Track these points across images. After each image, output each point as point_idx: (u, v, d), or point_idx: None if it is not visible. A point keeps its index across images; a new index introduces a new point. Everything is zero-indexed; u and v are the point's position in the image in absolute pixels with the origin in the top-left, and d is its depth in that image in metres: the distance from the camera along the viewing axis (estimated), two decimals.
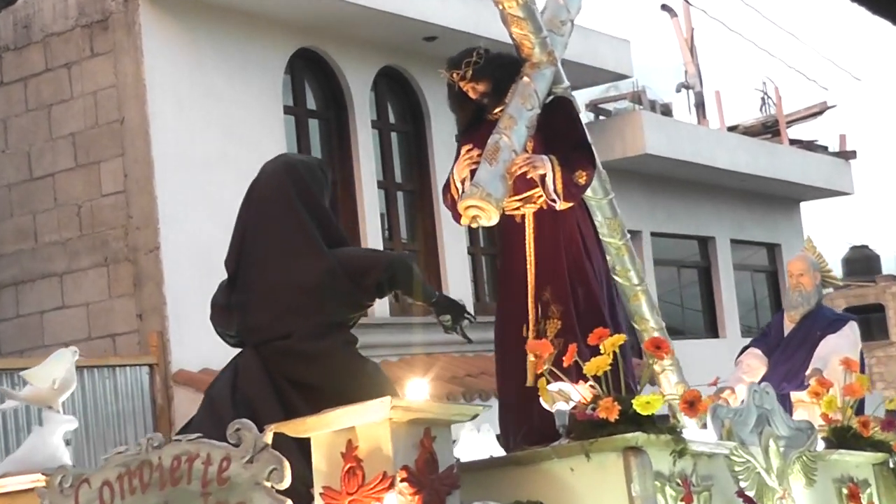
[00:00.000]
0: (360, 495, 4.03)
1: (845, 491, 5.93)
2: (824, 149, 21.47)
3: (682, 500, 4.71)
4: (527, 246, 5.80)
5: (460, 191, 5.71)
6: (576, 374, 4.96)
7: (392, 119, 13.62)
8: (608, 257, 6.18)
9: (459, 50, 5.96)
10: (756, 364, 7.73)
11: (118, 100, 11.06)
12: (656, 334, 6.29)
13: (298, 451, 4.33)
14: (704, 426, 5.18)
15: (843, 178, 20.91)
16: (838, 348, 7.27)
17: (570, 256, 5.77)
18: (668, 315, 16.72)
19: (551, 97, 5.97)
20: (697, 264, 18.94)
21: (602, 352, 4.83)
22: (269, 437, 4.07)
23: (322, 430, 4.15)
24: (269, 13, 11.85)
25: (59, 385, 6.00)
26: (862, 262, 25.93)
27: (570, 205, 5.75)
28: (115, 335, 10.96)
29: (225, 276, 5.13)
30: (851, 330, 7.62)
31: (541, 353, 4.96)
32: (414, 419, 4.12)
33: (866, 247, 27.23)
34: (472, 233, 13.99)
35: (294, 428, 4.20)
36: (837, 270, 20.14)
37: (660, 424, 4.73)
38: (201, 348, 9.43)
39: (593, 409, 4.68)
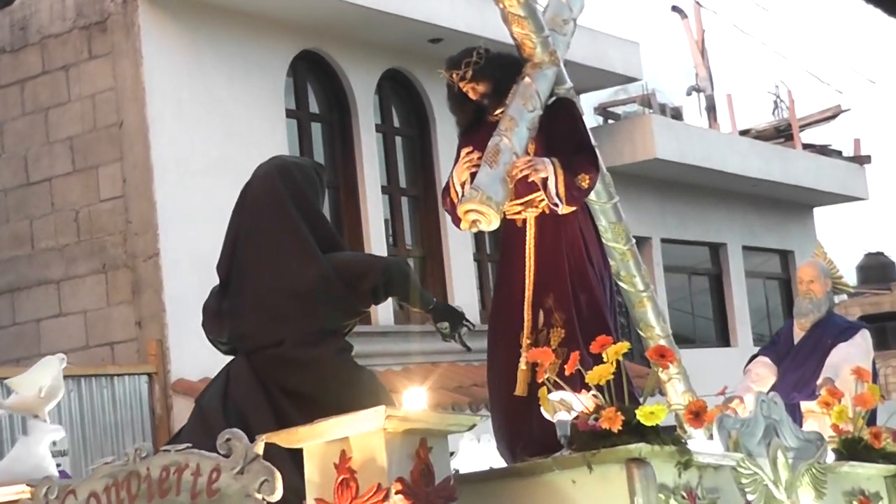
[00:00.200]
0: None
1: None
2: (838, 153, 21.43)
3: None
4: (527, 251, 5.76)
5: (460, 194, 5.68)
6: (578, 383, 4.91)
7: (396, 123, 13.62)
8: (612, 263, 6.15)
9: None
10: (765, 373, 7.69)
11: (117, 103, 11.06)
12: (662, 342, 6.26)
13: (290, 461, 4.30)
14: (711, 437, 5.13)
15: (857, 184, 20.87)
16: (850, 357, 7.22)
17: (572, 262, 5.73)
18: (678, 323, 16.80)
19: (553, 98, 5.93)
20: (708, 271, 18.93)
21: (605, 360, 4.78)
22: (260, 448, 4.04)
23: (315, 440, 4.11)
24: (271, 14, 11.84)
25: (45, 393, 5.95)
26: (877, 270, 25.85)
27: (573, 209, 5.72)
28: (114, 343, 10.96)
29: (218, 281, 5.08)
30: (863, 338, 7.58)
31: (542, 362, 4.90)
32: (409, 429, 4.09)
33: (881, 254, 27.17)
34: (478, 239, 14.00)
35: (286, 438, 4.16)
36: (852, 278, 20.16)
37: (664, 435, 4.69)
38: (201, 357, 9.36)
39: (596, 420, 4.64)
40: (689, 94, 20.64)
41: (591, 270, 5.77)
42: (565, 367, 4.92)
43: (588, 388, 4.81)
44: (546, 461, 4.72)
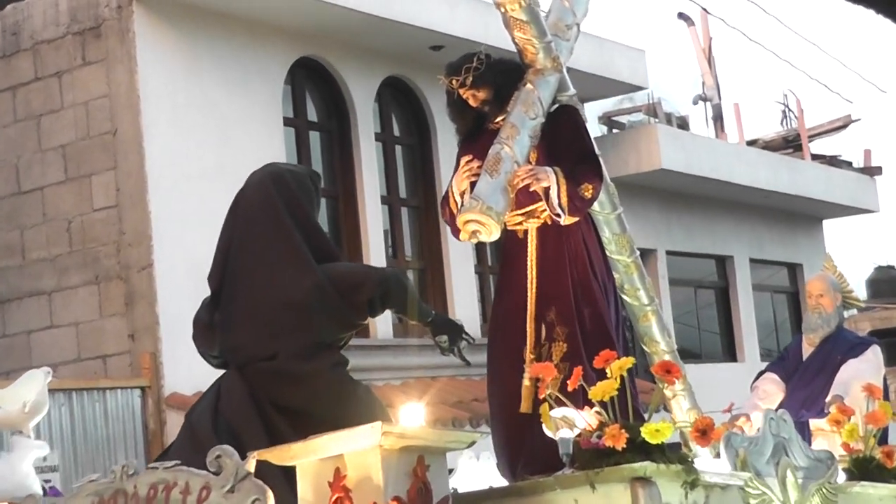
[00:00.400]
0: None
1: None
2: (848, 164, 21.37)
3: None
4: (529, 263, 5.73)
5: (459, 204, 5.64)
6: (581, 400, 4.88)
7: (396, 131, 13.59)
8: (616, 275, 6.12)
9: None
10: (773, 390, 7.62)
11: (111, 110, 11.05)
12: (667, 357, 6.22)
13: (283, 479, 4.27)
14: (718, 455, 5.09)
15: (867, 195, 20.83)
16: (860, 374, 7.15)
17: (575, 275, 5.70)
18: (684, 337, 16.78)
19: (556, 105, 5.89)
20: (715, 284, 18.87)
21: (609, 376, 4.75)
22: (251, 465, 3.99)
23: (308, 457, 4.09)
24: (270, 20, 11.82)
25: (29, 408, 5.88)
26: (888, 283, 25.74)
27: (576, 219, 5.68)
28: (106, 356, 10.93)
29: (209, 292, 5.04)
30: (874, 354, 7.53)
31: (544, 377, 4.85)
32: (406, 446, 4.07)
33: (892, 267, 27.05)
34: (479, 251, 13.98)
35: (279, 455, 4.14)
36: (862, 292, 20.07)
37: (670, 453, 4.66)
38: (195, 371, 9.26)
39: (599, 437, 4.61)
40: (695, 103, 20.55)
41: (595, 283, 5.73)
42: (568, 382, 4.88)
43: (591, 405, 4.77)
44: (548, 480, 4.69)
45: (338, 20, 12.05)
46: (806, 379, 7.54)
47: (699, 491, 4.71)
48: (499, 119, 5.76)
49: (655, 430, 4.59)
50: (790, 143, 21.10)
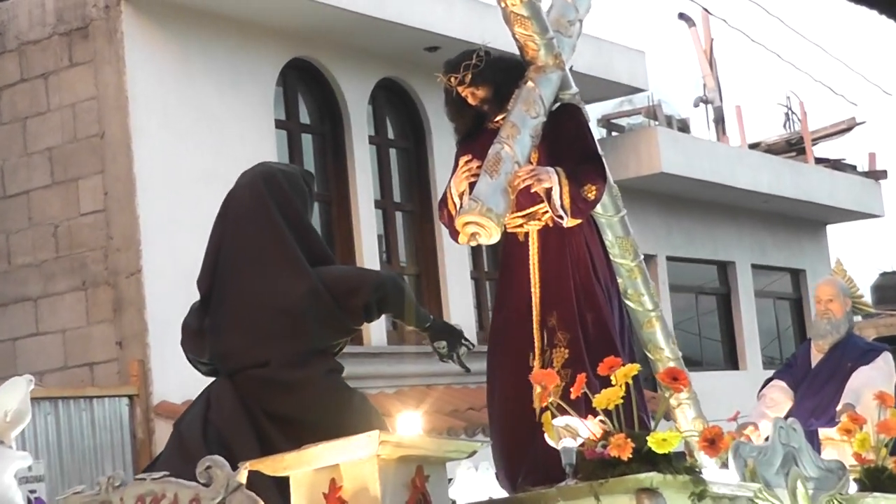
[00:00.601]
0: None
1: None
2: (853, 168, 21.41)
3: None
4: (531, 267, 5.68)
5: (458, 206, 5.60)
6: (584, 408, 4.82)
7: (391, 134, 13.59)
8: (619, 280, 6.07)
9: None
10: (781, 398, 7.58)
11: (98, 112, 11.04)
12: (672, 364, 6.16)
13: (276, 491, 4.22)
14: (724, 466, 5.03)
15: (872, 200, 20.86)
16: (871, 381, 7.11)
17: (577, 279, 5.65)
18: (684, 345, 16.57)
19: (558, 104, 5.84)
20: (716, 291, 18.88)
21: (613, 383, 4.68)
22: (243, 476, 3.93)
23: (302, 467, 4.04)
24: (261, 20, 11.81)
25: (11, 417, 5.78)
26: (893, 290, 25.71)
27: (578, 222, 5.63)
28: (93, 364, 10.92)
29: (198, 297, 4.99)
30: (885, 361, 7.48)
31: (546, 385, 4.78)
32: (405, 456, 4.02)
33: None
34: (475, 256, 13.98)
35: (271, 465, 4.09)
36: (866, 298, 19.99)
37: (677, 464, 4.60)
38: (185, 379, 9.22)
39: (604, 447, 4.55)
40: (696, 105, 20.61)
41: (598, 287, 5.68)
42: (571, 389, 4.82)
43: (595, 413, 4.71)
44: (550, 491, 4.63)
45: (331, 20, 12.03)
46: (815, 387, 7.50)
47: (707, 502, 4.65)
48: (499, 118, 5.71)
49: (662, 440, 4.52)
50: (793, 147, 21.13)
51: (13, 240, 11.41)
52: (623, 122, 18.08)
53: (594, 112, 17.12)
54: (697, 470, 4.68)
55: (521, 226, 5.69)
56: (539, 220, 5.65)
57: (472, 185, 5.53)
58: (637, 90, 16.12)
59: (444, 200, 5.77)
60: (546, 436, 4.83)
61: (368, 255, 12.56)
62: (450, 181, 5.74)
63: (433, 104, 13.14)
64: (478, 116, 5.79)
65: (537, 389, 5.25)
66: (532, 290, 5.64)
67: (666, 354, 6.28)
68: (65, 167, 11.17)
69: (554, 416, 4.77)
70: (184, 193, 10.95)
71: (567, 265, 5.63)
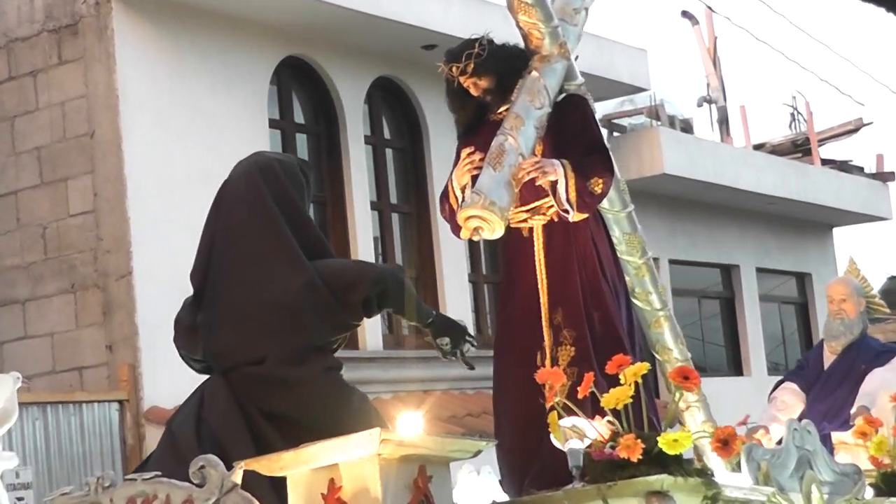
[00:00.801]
0: None
1: None
2: (860, 169, 21.40)
3: None
4: (536, 263, 5.64)
5: (460, 199, 5.55)
6: (592, 408, 4.77)
7: (387, 134, 13.57)
8: (626, 278, 6.04)
9: None
10: (792, 400, 7.58)
11: (88, 111, 11.02)
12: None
13: (272, 492, 4.18)
14: (735, 469, 4.97)
15: (879, 202, 20.85)
16: (887, 383, 7.07)
17: (584, 275, 5.61)
18: None
19: (563, 95, 5.81)
20: (720, 295, 18.85)
21: (622, 382, 4.63)
22: (238, 476, 3.89)
23: (300, 467, 3.99)
24: (255, 18, 11.79)
25: None
26: None
27: (584, 217, 5.59)
28: (83, 368, 10.89)
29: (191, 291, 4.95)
30: None
31: (552, 384, 4.72)
32: (407, 455, 3.97)
33: None
34: (473, 259, 13.97)
35: (268, 465, 4.04)
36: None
37: (688, 466, 4.57)
38: (176, 383, 9.24)
39: (612, 448, 4.50)
40: (699, 105, 20.56)
41: (605, 285, 5.66)
42: (577, 389, 4.77)
43: (602, 414, 4.67)
44: (556, 494, 4.61)
45: (326, 18, 12.00)
46: (828, 389, 7.49)
47: None
48: (502, 109, 5.68)
49: (673, 441, 4.46)
50: (799, 148, 21.14)
51: (1, 241, 11.38)
52: (625, 122, 18.06)
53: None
54: (710, 472, 4.64)
55: (525, 220, 5.64)
56: (544, 214, 5.61)
57: (474, 179, 5.49)
58: (639, 89, 16.09)
59: (445, 194, 5.73)
60: (552, 437, 4.76)
61: (364, 258, 12.51)
62: (451, 174, 5.70)
63: (430, 103, 13.17)
64: (480, 108, 5.76)
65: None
66: (538, 286, 5.61)
67: (675, 356, 6.23)
68: (54, 167, 11.14)
69: (560, 417, 4.71)
70: (176, 194, 10.93)
71: (573, 261, 5.59)
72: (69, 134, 11.08)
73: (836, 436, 6.99)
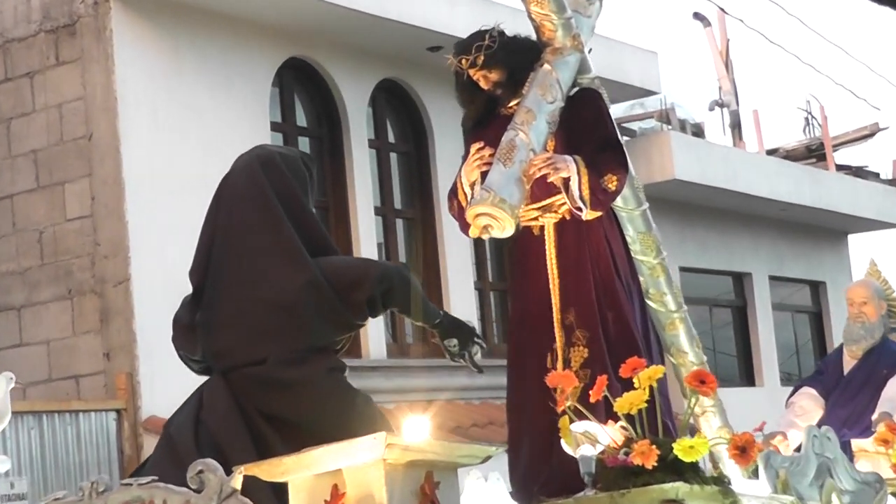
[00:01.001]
0: None
1: None
2: (875, 175, 21.45)
3: None
4: (548, 262, 5.60)
5: (469, 196, 5.52)
6: (605, 413, 4.74)
7: (391, 138, 13.54)
8: (640, 279, 6.02)
9: None
10: (810, 406, 7.56)
11: (86, 113, 11.00)
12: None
13: (273, 497, 4.15)
14: (752, 477, 4.93)
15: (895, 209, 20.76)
16: None
17: (597, 275, 5.58)
18: None
19: (576, 88, 5.78)
20: (732, 303, 18.83)
21: (636, 386, 4.59)
22: (237, 481, 3.84)
23: (302, 472, 3.93)
24: (256, 18, 11.78)
25: None
26: None
27: (598, 215, 5.56)
28: (79, 376, 10.87)
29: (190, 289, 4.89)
30: None
31: (563, 387, 4.65)
32: (413, 461, 3.92)
33: None
34: (479, 266, 13.95)
35: (269, 470, 3.97)
36: None
37: (704, 474, 4.55)
38: (175, 392, 9.19)
39: (626, 454, 4.48)
40: (711, 109, 20.59)
41: (619, 284, 5.63)
42: (589, 392, 4.73)
43: (615, 418, 4.64)
44: (567, 502, 4.62)
45: (329, 18, 11.98)
46: (848, 395, 7.46)
47: None
48: (513, 103, 5.65)
49: (689, 447, 4.44)
50: (813, 153, 21.17)
51: None
52: (635, 126, 18.10)
53: None
54: (726, 480, 4.61)
55: (536, 218, 5.61)
56: (555, 212, 5.57)
57: (484, 175, 5.45)
58: (649, 93, 16.09)
59: (453, 190, 5.69)
60: (563, 442, 4.71)
61: None
62: (460, 170, 5.66)
63: (436, 106, 13.18)
64: (490, 101, 5.73)
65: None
66: (549, 286, 5.57)
67: (690, 359, 6.16)
68: (50, 170, 11.12)
69: (572, 421, 4.65)
70: (175, 198, 10.91)
71: (586, 260, 5.56)
72: (66, 136, 11.06)
73: (857, 443, 6.93)
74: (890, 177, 21.32)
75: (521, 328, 5.70)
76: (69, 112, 11.04)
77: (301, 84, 12.61)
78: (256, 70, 11.91)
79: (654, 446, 4.41)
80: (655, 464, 4.38)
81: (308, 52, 12.41)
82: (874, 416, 6.97)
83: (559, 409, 4.75)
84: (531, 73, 5.65)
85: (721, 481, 4.56)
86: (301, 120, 12.61)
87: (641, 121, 18.20)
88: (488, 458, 4.20)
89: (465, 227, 5.49)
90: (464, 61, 5.64)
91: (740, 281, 18.78)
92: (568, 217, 5.55)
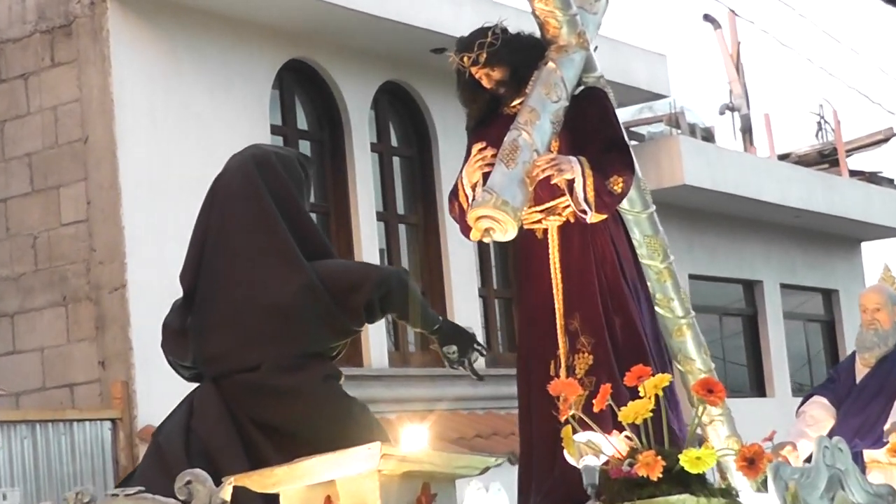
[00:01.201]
0: None
1: None
2: (889, 181, 21.49)
3: None
4: (551, 266, 5.57)
5: (470, 198, 5.50)
6: (611, 422, 4.68)
7: (394, 142, 13.52)
8: (647, 283, 5.90)
9: None
10: (822, 415, 7.49)
11: (82, 116, 10.97)
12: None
13: None
14: (761, 489, 4.86)
15: None
16: None
17: (603, 279, 5.56)
18: None
19: (581, 87, 5.76)
20: (742, 312, 18.83)
21: (642, 395, 4.51)
22: (227, 492, 3.82)
23: (294, 483, 3.91)
24: (256, 19, 11.76)
25: None
26: None
27: (603, 217, 5.54)
28: (74, 385, 10.83)
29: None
30: None
31: (566, 396, 4.60)
32: (409, 472, 3.90)
33: None
34: (484, 273, 13.92)
35: (260, 481, 3.95)
36: None
37: (712, 486, 4.46)
38: (172, 401, 9.20)
39: (630, 465, 4.39)
40: (721, 113, 20.66)
41: (627, 288, 5.61)
42: (593, 401, 4.66)
43: (623, 428, 4.56)
44: None
45: (331, 19, 11.96)
46: (860, 404, 7.39)
47: None
48: (516, 102, 5.64)
49: (696, 458, 4.34)
50: (826, 158, 21.20)
51: None
52: (643, 130, 18.12)
53: None
54: (735, 492, 4.54)
55: (539, 221, 5.59)
56: (559, 215, 5.55)
57: (486, 176, 5.43)
58: (658, 96, 16.06)
59: (454, 192, 5.67)
60: (565, 453, 4.66)
61: None
62: (461, 171, 5.64)
63: (439, 109, 13.15)
64: (493, 100, 5.71)
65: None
66: (553, 291, 5.55)
67: (698, 366, 6.15)
68: (45, 174, 11.09)
69: (575, 431, 4.59)
70: (172, 203, 10.89)
71: (590, 264, 5.54)
72: (62, 139, 11.03)
73: (869, 454, 6.94)
74: None
75: (527, 334, 5.69)
76: (65, 114, 11.01)
77: (302, 86, 12.58)
78: (256, 72, 11.88)
79: (659, 457, 4.32)
80: (661, 475, 4.29)
81: (309, 54, 12.38)
82: (886, 426, 6.94)
83: (561, 418, 4.70)
84: (535, 71, 5.63)
85: (729, 493, 4.49)
86: (302, 123, 12.59)
87: (650, 125, 18.22)
88: (487, 469, 4.18)
89: (465, 229, 5.47)
90: (465, 59, 5.63)
91: (751, 289, 18.78)
92: (572, 220, 5.52)
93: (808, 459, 5.39)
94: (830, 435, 6.30)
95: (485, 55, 5.60)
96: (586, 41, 5.75)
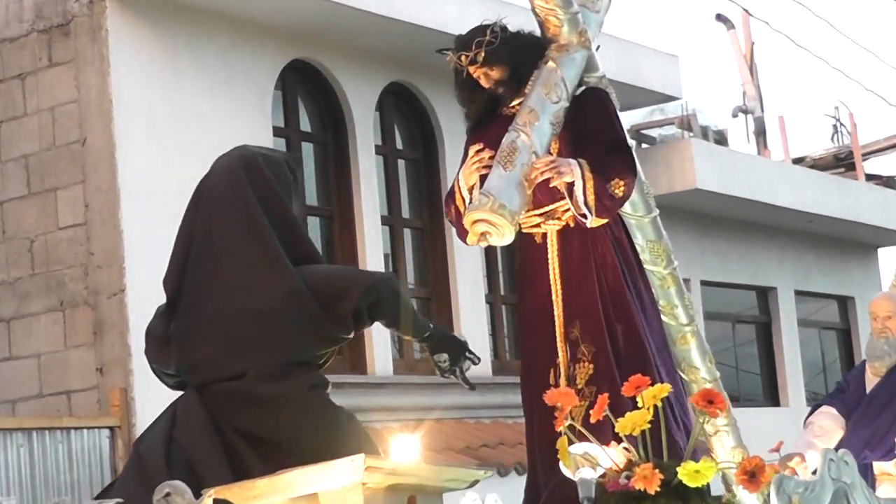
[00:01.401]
0: None
1: None
2: None
3: None
4: (550, 272, 5.54)
5: (467, 201, 5.49)
6: (610, 433, 4.64)
7: (399, 144, 13.50)
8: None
9: None
10: (830, 426, 7.44)
11: (80, 117, 10.93)
12: (709, 387, 5.94)
13: None
14: (766, 502, 4.80)
15: None
16: None
17: (604, 285, 5.53)
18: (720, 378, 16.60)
19: (582, 88, 5.73)
20: (756, 319, 18.82)
21: (640, 405, 4.49)
22: None
23: (276, 496, 3.91)
24: (258, 18, 11.73)
25: None
26: None
27: (604, 222, 5.51)
28: (71, 392, 10.80)
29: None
30: None
31: (563, 406, 4.55)
32: (395, 485, 3.88)
33: None
34: (491, 279, 13.90)
35: (241, 493, 3.94)
36: None
37: (711, 499, 4.54)
38: None
39: (627, 478, 4.39)
40: (735, 115, 20.60)
41: (630, 295, 5.57)
42: (591, 412, 4.65)
43: (619, 440, 4.55)
44: None
45: (335, 19, 11.93)
46: (870, 414, 7.34)
47: None
48: (515, 103, 5.62)
49: (695, 472, 4.36)
50: (841, 162, 21.21)
51: None
52: (654, 132, 18.11)
53: (623, 121, 17.10)
54: None
55: (538, 225, 5.57)
56: (559, 219, 5.54)
57: (483, 179, 5.40)
58: (670, 98, 16.02)
59: (451, 195, 5.66)
60: (562, 465, 4.62)
61: None
62: (458, 173, 5.62)
63: (445, 111, 13.08)
64: (491, 100, 5.70)
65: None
66: (553, 298, 5.52)
67: (702, 375, 6.10)
68: (42, 176, 11.05)
69: (571, 442, 4.55)
70: (171, 206, 10.71)
71: (591, 270, 5.51)
72: (59, 141, 10.99)
73: (878, 466, 6.92)
74: None
75: (528, 342, 5.67)
76: (62, 115, 10.98)
77: (305, 87, 12.56)
78: (258, 72, 11.85)
79: (657, 470, 4.32)
80: (658, 489, 4.30)
81: (312, 54, 12.35)
82: None
83: (557, 428, 4.65)
84: (535, 70, 5.61)
85: None
86: (305, 125, 12.55)
87: (661, 127, 18.20)
88: (475, 482, 4.12)
89: (462, 233, 5.45)
90: (463, 58, 5.63)
91: (765, 296, 18.77)
92: (572, 224, 5.50)
93: (816, 472, 5.34)
94: (840, 446, 6.28)
95: (483, 54, 5.59)
96: (588, 40, 5.71)
